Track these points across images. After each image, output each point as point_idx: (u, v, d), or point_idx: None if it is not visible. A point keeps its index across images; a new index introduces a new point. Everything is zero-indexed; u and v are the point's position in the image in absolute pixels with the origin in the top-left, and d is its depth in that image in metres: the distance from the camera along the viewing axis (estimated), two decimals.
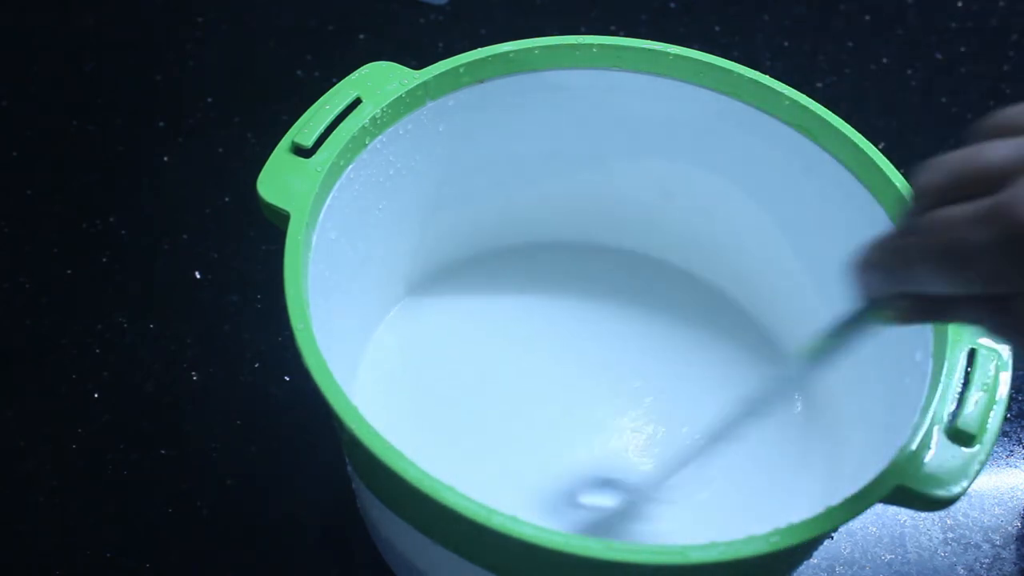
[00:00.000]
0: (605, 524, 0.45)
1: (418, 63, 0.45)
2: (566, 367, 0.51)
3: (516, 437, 0.49)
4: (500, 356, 0.52)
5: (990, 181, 0.27)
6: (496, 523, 0.32)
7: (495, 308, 0.54)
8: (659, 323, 0.54)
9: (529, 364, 0.51)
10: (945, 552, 0.50)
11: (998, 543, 0.51)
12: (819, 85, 0.70)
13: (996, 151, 0.27)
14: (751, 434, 0.39)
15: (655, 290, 0.55)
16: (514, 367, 0.51)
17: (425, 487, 0.32)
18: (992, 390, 0.36)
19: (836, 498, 0.34)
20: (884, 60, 0.73)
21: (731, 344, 0.53)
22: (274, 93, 0.68)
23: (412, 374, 0.51)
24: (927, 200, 0.29)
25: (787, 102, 0.45)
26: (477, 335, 0.53)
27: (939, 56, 0.73)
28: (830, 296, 0.48)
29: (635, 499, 0.44)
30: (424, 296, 0.54)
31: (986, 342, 0.38)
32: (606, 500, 0.45)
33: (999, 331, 0.29)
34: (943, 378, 0.37)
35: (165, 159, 0.65)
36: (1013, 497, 0.53)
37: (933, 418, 0.36)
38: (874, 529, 0.51)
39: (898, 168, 0.42)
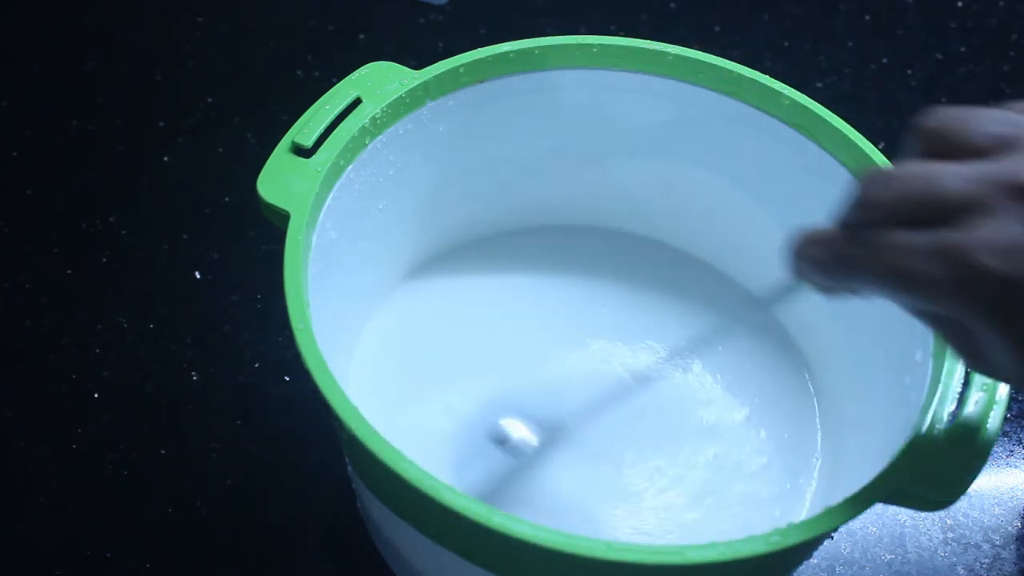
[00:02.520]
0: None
1: (418, 63, 0.45)
2: (563, 345, 0.51)
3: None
4: (496, 339, 0.51)
5: (945, 211, 0.27)
6: (496, 523, 0.32)
7: (489, 290, 0.54)
8: (656, 300, 0.53)
9: (525, 346, 0.51)
10: (945, 552, 0.50)
11: (998, 543, 0.51)
12: (819, 85, 0.70)
13: (954, 181, 0.27)
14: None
15: (650, 268, 0.55)
16: (510, 348, 0.51)
17: (425, 487, 0.32)
18: (992, 390, 0.36)
19: (836, 498, 0.34)
20: (884, 60, 0.72)
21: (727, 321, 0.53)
22: (274, 93, 0.68)
23: (409, 363, 0.50)
24: (876, 214, 0.28)
25: (787, 102, 0.45)
26: (473, 318, 0.52)
27: (939, 56, 0.73)
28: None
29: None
30: (419, 280, 0.53)
31: None
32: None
33: (930, 321, 0.30)
34: (943, 378, 0.37)
35: (165, 159, 0.65)
36: (1013, 497, 0.53)
37: (933, 418, 0.36)
38: (874, 529, 0.51)
39: None
